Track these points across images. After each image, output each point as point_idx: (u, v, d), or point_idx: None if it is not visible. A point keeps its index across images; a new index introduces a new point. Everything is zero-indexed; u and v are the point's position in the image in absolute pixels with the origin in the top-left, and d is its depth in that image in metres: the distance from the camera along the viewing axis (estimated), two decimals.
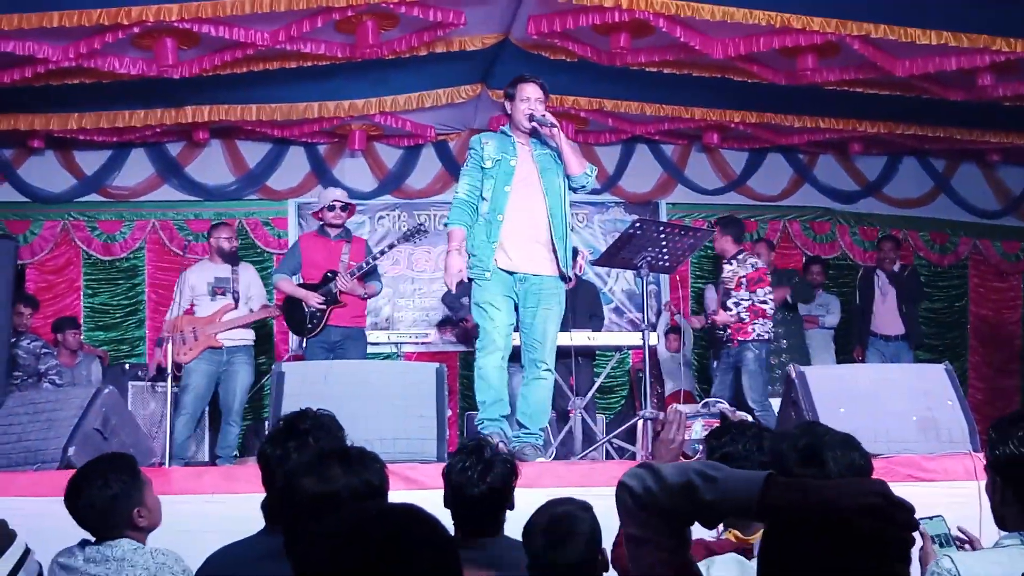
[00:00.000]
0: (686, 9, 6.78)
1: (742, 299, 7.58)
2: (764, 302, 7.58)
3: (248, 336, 7.63)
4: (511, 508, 3.08)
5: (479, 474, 2.98)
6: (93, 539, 3.14)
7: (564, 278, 5.43)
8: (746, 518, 1.60)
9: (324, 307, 7.21)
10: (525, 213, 5.36)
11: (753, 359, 7.51)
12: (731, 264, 7.72)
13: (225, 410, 7.51)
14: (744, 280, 7.61)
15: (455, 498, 3.01)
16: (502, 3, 7.20)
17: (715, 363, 8.09)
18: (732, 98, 8.78)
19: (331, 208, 7.43)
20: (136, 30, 6.85)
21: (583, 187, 5.51)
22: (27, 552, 3.17)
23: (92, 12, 6.58)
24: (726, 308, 7.64)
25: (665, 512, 1.63)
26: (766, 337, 7.64)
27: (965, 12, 6.92)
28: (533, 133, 5.45)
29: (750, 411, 7.00)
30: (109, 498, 3.09)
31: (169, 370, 7.17)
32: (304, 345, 7.34)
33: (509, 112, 5.51)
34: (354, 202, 8.02)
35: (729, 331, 7.62)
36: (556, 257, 5.35)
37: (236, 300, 7.46)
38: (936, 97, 8.26)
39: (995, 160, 10.50)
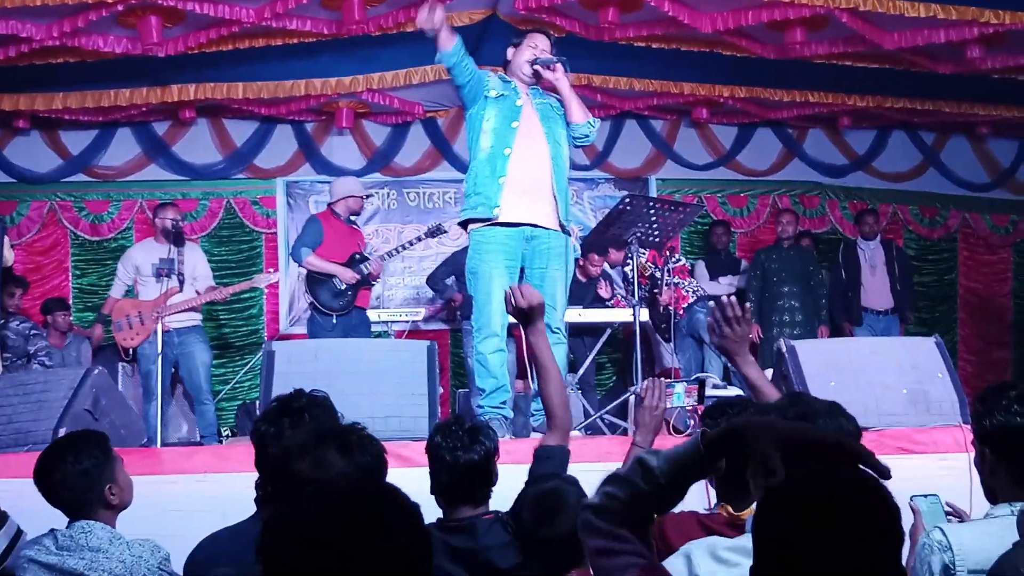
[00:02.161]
0: None
1: (663, 274, 7.80)
2: (677, 261, 7.88)
3: (196, 316, 7.63)
4: (494, 483, 3.07)
5: (469, 438, 2.97)
6: (65, 523, 3.05)
7: (564, 230, 5.25)
8: (698, 471, 1.63)
9: (356, 285, 7.32)
10: (529, 155, 5.15)
11: (705, 316, 7.75)
12: (627, 265, 7.89)
13: (195, 391, 7.55)
14: (649, 264, 7.83)
15: (443, 469, 2.98)
16: None
17: (672, 344, 8.20)
18: (721, 73, 8.75)
19: (366, 197, 7.78)
20: (120, 8, 6.79)
21: (585, 136, 5.30)
22: (19, 533, 3.16)
23: None
24: (660, 292, 7.85)
25: (628, 508, 1.65)
26: (702, 292, 7.91)
27: None
28: (532, 81, 5.30)
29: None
30: (81, 473, 3.02)
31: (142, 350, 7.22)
32: (335, 322, 7.37)
33: (509, 59, 5.36)
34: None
35: (672, 307, 7.79)
36: (557, 208, 5.20)
37: (181, 283, 7.39)
38: (925, 70, 8.25)
39: (984, 133, 10.51)
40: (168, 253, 7.39)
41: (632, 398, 5.94)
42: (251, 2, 6.99)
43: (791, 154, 10.53)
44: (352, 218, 7.78)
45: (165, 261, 7.33)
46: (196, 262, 7.64)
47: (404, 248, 8.27)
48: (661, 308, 7.89)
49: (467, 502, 2.98)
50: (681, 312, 8.05)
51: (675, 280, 8.08)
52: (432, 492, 2.98)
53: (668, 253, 8.10)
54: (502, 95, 5.23)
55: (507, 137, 5.14)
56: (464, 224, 5.32)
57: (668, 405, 4.39)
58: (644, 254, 7.83)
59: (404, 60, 8.49)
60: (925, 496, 2.71)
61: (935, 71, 8.22)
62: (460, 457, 2.94)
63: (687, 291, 8.17)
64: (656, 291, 8.00)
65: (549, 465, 3.03)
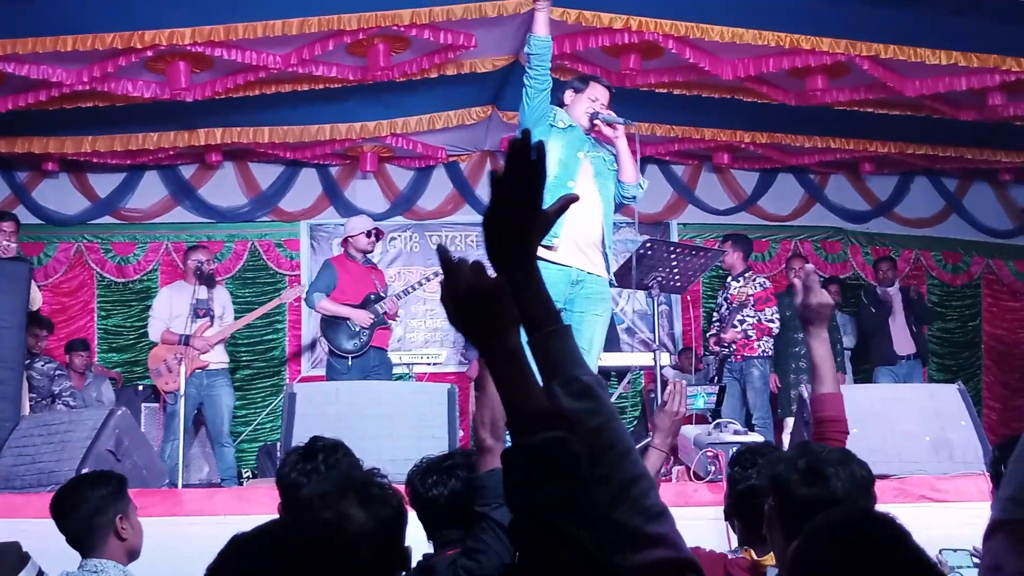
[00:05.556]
0: (695, 31, 6.82)
1: (747, 316, 7.65)
2: (771, 321, 7.68)
3: (225, 359, 7.82)
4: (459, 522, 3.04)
5: (433, 481, 2.96)
6: (79, 560, 3.10)
7: (610, 283, 5.29)
8: None
9: (372, 326, 7.31)
10: (583, 206, 4.97)
11: (759, 376, 7.63)
12: (738, 281, 7.79)
13: (216, 433, 7.63)
14: (751, 299, 7.67)
15: (414, 503, 2.98)
16: (512, 25, 7.22)
17: (716, 379, 8.11)
18: (742, 118, 8.79)
19: (369, 235, 7.57)
20: (149, 54, 6.90)
21: (633, 198, 5.34)
22: (40, 574, 3.18)
23: (106, 36, 6.64)
24: (732, 325, 7.71)
25: None
26: (770, 354, 7.75)
27: (974, 32, 6.93)
28: (589, 131, 5.28)
29: (752, 427, 7.06)
30: (94, 499, 3.13)
31: (181, 391, 7.23)
32: (350, 364, 7.36)
33: (567, 103, 5.29)
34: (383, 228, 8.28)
35: (734, 347, 7.67)
36: (607, 262, 5.24)
37: (211, 320, 7.57)
38: (947, 117, 8.27)
39: (1006, 179, 10.50)
40: (203, 294, 7.59)
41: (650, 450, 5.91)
42: (278, 48, 7.10)
43: (813, 199, 10.54)
44: (370, 257, 7.82)
45: (202, 301, 7.53)
46: (225, 303, 7.87)
47: (420, 285, 8.28)
48: (726, 344, 7.70)
49: (443, 534, 2.96)
50: (739, 357, 7.78)
51: (752, 333, 7.73)
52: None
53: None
54: (571, 126, 5.22)
55: (573, 169, 5.12)
56: None
57: (687, 410, 4.41)
58: (766, 282, 7.89)
59: (428, 105, 8.58)
60: (955, 550, 2.68)
61: (957, 118, 8.23)
62: (423, 494, 2.95)
63: (758, 346, 7.75)
64: (722, 323, 7.80)
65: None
